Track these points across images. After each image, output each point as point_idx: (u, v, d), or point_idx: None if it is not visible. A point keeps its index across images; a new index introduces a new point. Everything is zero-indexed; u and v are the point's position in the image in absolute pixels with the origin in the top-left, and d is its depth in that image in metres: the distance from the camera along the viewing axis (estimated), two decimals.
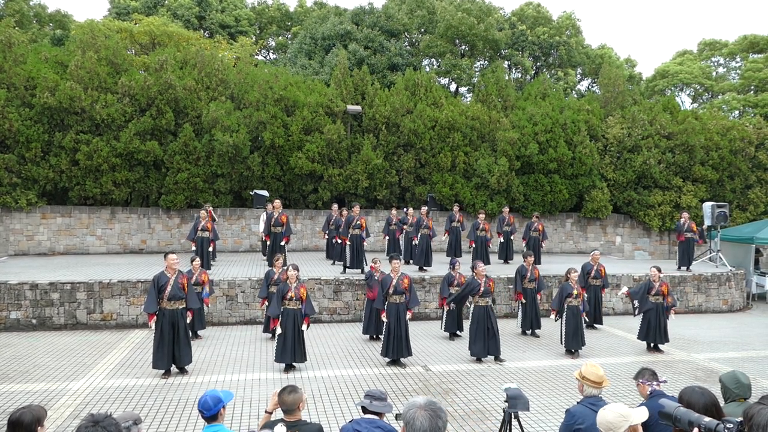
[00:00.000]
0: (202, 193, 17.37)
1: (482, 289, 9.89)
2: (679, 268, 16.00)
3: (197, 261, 10.90)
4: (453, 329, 11.51)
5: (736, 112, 31.99)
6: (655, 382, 4.43)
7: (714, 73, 35.41)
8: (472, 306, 10.05)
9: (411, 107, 19.48)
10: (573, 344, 10.38)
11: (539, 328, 12.00)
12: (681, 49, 37.31)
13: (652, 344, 10.99)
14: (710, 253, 17.93)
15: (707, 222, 17.26)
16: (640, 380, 4.51)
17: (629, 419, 3.21)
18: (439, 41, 28.52)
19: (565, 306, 10.41)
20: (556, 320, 10.66)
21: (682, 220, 16.09)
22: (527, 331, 12.04)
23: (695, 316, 14.73)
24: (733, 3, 61.78)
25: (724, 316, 15.03)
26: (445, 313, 11.51)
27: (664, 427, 3.29)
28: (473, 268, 10.20)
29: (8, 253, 16.18)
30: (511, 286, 13.14)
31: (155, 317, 8.71)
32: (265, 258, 15.51)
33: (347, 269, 13.86)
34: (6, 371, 8.93)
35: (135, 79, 17.28)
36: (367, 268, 12.02)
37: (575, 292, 10.41)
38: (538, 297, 12.07)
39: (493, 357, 9.98)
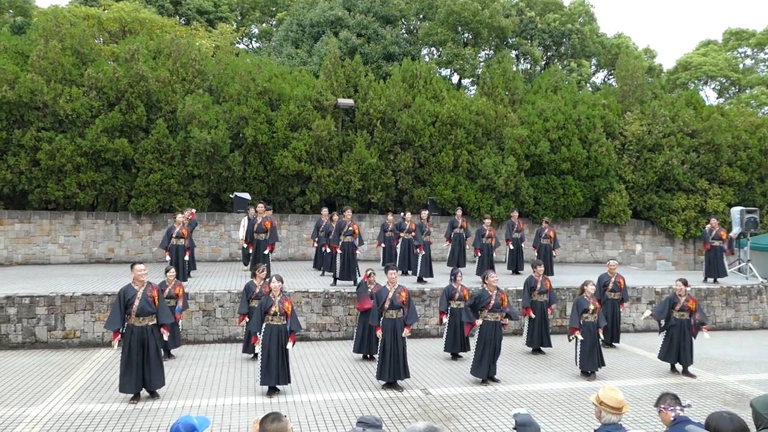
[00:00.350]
0: (177, 196, 17.31)
1: (492, 302, 9.85)
2: (705, 279, 16.00)
3: (172, 272, 10.83)
4: (456, 350, 11.46)
5: (766, 107, 32.19)
6: (678, 407, 4.41)
7: (741, 65, 35.65)
8: (481, 321, 10.01)
9: (409, 101, 19.50)
10: (589, 365, 10.34)
11: (549, 345, 11.97)
12: (705, 38, 37.65)
13: (675, 365, 10.95)
14: (739, 264, 17.96)
15: (736, 229, 17.28)
16: (662, 406, 4.49)
17: None
18: (439, 28, 28.61)
19: (581, 322, 10.39)
20: (570, 340, 10.61)
21: (709, 226, 16.09)
22: (535, 349, 12.01)
23: (723, 333, 14.73)
24: None
25: (756, 334, 15.04)
26: (446, 331, 11.46)
27: None
28: (484, 278, 10.17)
29: None
30: (520, 300, 13.11)
31: (120, 335, 8.63)
32: (246, 268, 15.45)
33: (337, 281, 13.82)
34: None
35: (103, 71, 17.24)
36: (360, 280, 11.98)
37: (591, 307, 10.38)
38: (549, 312, 12.03)
39: (490, 378, 9.99)
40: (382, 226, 16.08)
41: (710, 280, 15.94)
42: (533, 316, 11.75)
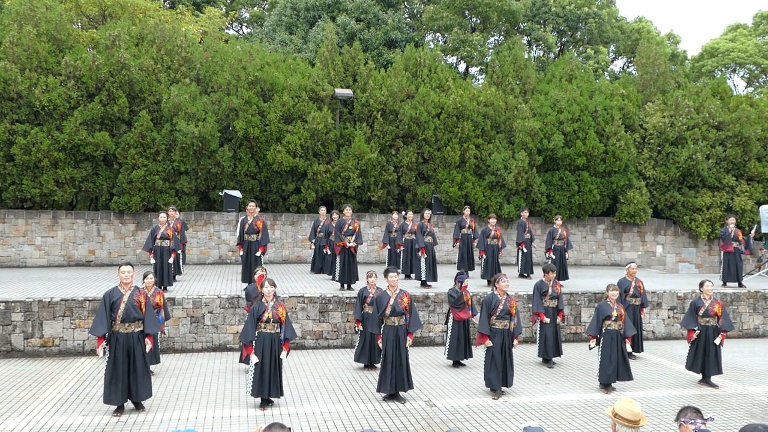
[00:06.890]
0: (162, 194, 17.39)
1: (501, 307, 9.91)
2: (725, 284, 16.05)
3: (150, 278, 10.56)
4: (459, 357, 11.58)
5: None
6: (699, 421, 4.49)
7: None
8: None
9: (412, 91, 19.57)
10: (612, 378, 10.35)
11: (560, 354, 12.03)
12: (733, 22, 37.61)
13: (702, 375, 11.01)
14: (767, 266, 18.05)
15: (765, 228, 17.32)
16: (682, 420, 4.57)
17: None
18: (445, 12, 28.65)
19: (603, 330, 10.43)
20: (591, 348, 10.66)
21: (732, 226, 16.12)
22: (546, 359, 12.08)
23: (750, 341, 14.81)
24: None
25: None
26: (449, 337, 11.59)
27: None
28: (495, 281, 10.23)
29: None
30: (530, 305, 13.17)
31: (104, 341, 8.69)
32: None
33: (345, 285, 13.92)
34: None
35: (81, 59, 17.31)
36: (361, 284, 12.07)
37: (615, 313, 10.38)
38: (560, 319, 12.07)
39: (506, 388, 10.07)
40: (387, 226, 16.13)
41: (729, 284, 16.00)
42: (547, 320, 11.79)
